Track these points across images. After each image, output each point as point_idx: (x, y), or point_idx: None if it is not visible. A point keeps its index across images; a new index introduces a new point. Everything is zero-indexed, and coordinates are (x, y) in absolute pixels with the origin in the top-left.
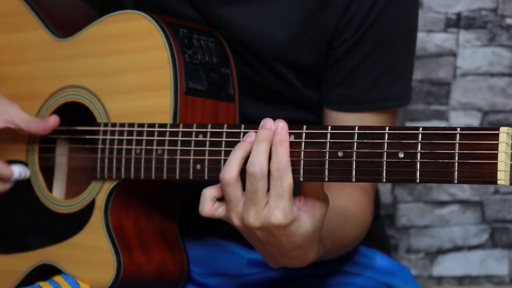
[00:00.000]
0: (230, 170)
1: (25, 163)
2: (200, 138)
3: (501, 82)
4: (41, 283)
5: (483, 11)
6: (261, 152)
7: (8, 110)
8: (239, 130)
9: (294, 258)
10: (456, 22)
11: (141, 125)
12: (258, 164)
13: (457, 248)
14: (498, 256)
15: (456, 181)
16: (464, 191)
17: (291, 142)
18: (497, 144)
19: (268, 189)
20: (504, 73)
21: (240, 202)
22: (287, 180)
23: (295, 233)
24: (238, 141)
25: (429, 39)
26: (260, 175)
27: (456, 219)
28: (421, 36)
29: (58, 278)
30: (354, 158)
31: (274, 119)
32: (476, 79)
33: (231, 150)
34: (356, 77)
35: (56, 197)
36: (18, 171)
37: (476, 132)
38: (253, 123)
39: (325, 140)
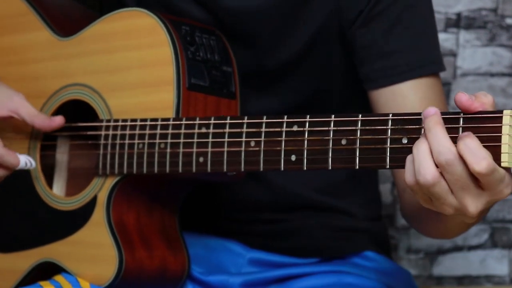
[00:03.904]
0: (430, 171)
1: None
2: (203, 130)
3: (501, 82)
4: (42, 283)
5: (483, 11)
6: (440, 137)
7: (14, 99)
8: (242, 121)
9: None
10: (456, 22)
11: (143, 119)
12: (446, 150)
13: (457, 248)
14: (498, 256)
15: None
16: None
17: (294, 132)
18: (501, 127)
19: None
20: (504, 73)
21: (449, 194)
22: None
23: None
24: (241, 132)
25: None
26: (454, 160)
27: None
28: None
29: (58, 278)
30: (358, 145)
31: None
32: (476, 79)
33: (234, 142)
34: (391, 45)
35: (58, 194)
36: (24, 161)
37: (479, 115)
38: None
39: (328, 128)
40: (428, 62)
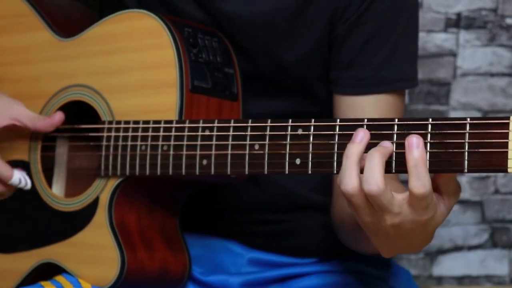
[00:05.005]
0: (351, 182)
1: (27, 165)
2: (207, 133)
3: (501, 82)
4: (43, 283)
5: (483, 11)
6: (375, 166)
7: (13, 107)
8: (246, 125)
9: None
10: (456, 22)
11: (146, 121)
12: (373, 182)
13: (457, 248)
14: (498, 256)
15: (466, 170)
16: (464, 191)
17: (298, 135)
18: (507, 133)
19: None
20: (504, 73)
21: (368, 208)
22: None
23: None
24: (245, 135)
25: (429, 39)
26: (378, 192)
27: (456, 219)
28: (421, 36)
29: (59, 278)
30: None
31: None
32: (476, 79)
33: (238, 145)
34: (365, 57)
35: (59, 195)
36: (18, 177)
37: (486, 121)
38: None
39: (333, 133)
40: (397, 79)
